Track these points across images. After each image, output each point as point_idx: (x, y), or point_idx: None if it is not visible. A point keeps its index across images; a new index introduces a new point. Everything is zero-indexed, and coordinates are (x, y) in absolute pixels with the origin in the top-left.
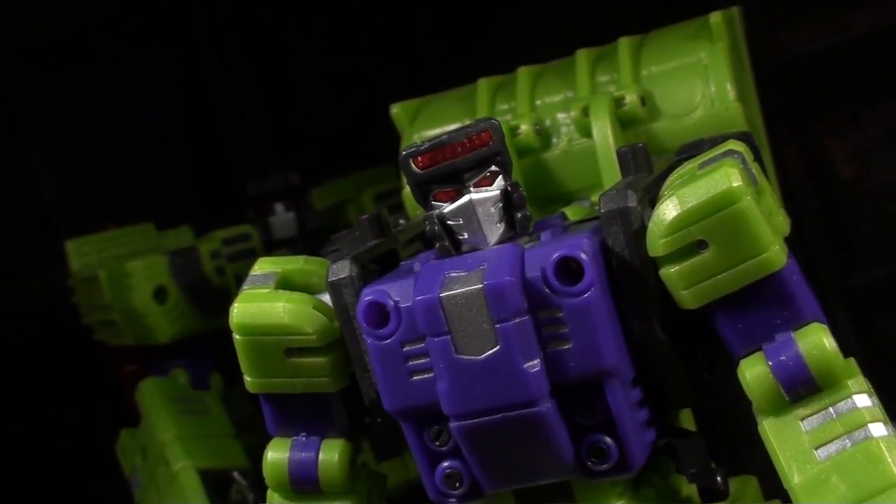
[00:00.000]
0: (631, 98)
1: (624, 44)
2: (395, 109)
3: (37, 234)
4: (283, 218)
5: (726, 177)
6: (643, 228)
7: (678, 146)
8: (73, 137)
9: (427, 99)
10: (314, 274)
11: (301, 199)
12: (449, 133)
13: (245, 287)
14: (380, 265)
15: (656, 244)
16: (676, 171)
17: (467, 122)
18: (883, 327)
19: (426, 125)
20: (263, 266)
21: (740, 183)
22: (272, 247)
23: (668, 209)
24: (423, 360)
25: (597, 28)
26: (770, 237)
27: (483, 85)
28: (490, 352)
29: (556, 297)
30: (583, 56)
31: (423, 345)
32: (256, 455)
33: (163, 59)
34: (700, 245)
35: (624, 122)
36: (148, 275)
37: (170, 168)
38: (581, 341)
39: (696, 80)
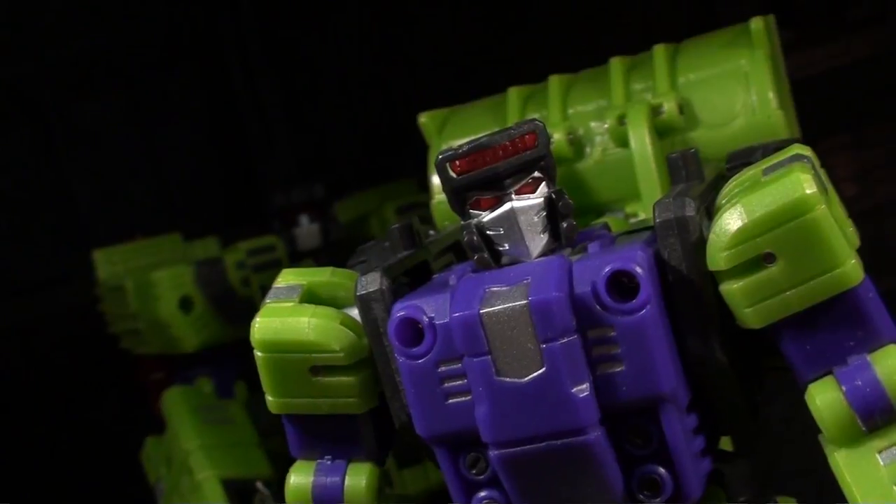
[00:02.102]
0: (669, 106)
1: (659, 51)
2: (423, 119)
3: (71, 245)
4: (307, 229)
5: (798, 183)
6: (702, 240)
7: (717, 156)
8: (107, 152)
9: (455, 108)
10: (341, 287)
11: (325, 210)
12: (489, 135)
13: (268, 300)
14: (410, 278)
15: (718, 257)
16: (735, 178)
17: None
18: None
19: (455, 135)
20: (287, 278)
21: (814, 190)
22: (297, 258)
23: (733, 218)
24: (461, 382)
25: (623, 45)
26: (846, 250)
27: (513, 93)
28: (535, 374)
29: (607, 315)
30: (617, 64)
31: (460, 365)
32: (281, 462)
33: (192, 77)
34: (767, 259)
35: (661, 131)
36: (173, 284)
37: (199, 181)
38: (635, 364)
39: (737, 87)
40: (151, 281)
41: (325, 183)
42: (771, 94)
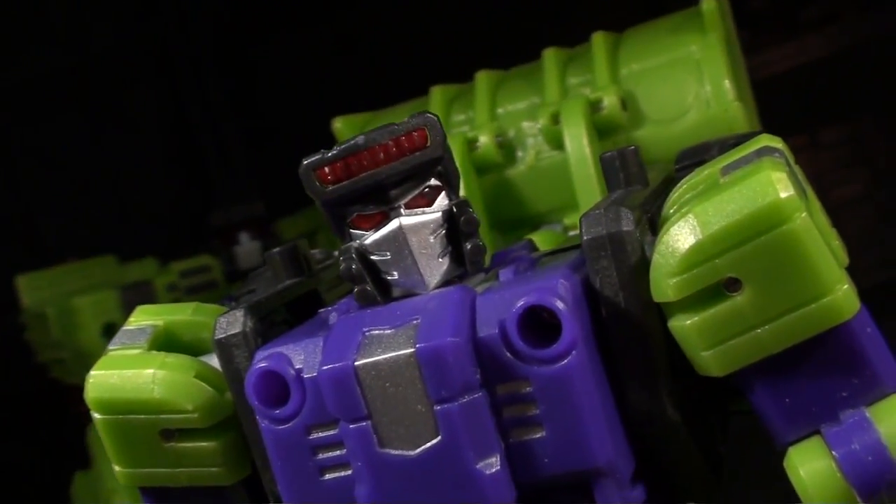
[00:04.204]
0: (609, 101)
1: (598, 40)
2: (338, 124)
3: (32, 268)
4: (247, 248)
5: (769, 184)
6: (644, 262)
7: (667, 157)
8: (67, 174)
9: (376, 113)
10: (206, 327)
11: (266, 228)
12: (367, 133)
13: (110, 346)
14: (294, 315)
15: (665, 285)
16: (686, 179)
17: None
18: None
19: None
20: (140, 317)
21: (791, 193)
22: (236, 277)
23: (683, 233)
24: (337, 453)
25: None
26: (836, 272)
27: (437, 93)
28: (427, 445)
29: (521, 365)
30: (551, 55)
31: (335, 431)
32: None
33: (151, 98)
34: (730, 286)
35: (601, 130)
36: (97, 311)
37: (158, 202)
38: (559, 428)
39: (688, 77)
40: (73, 308)
41: (279, 201)
42: (727, 84)
